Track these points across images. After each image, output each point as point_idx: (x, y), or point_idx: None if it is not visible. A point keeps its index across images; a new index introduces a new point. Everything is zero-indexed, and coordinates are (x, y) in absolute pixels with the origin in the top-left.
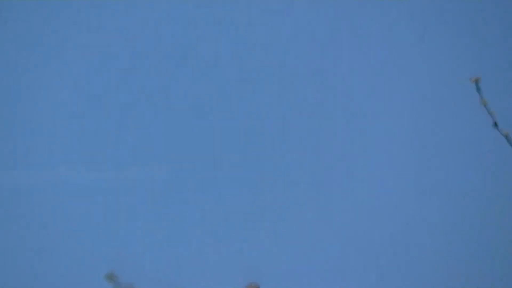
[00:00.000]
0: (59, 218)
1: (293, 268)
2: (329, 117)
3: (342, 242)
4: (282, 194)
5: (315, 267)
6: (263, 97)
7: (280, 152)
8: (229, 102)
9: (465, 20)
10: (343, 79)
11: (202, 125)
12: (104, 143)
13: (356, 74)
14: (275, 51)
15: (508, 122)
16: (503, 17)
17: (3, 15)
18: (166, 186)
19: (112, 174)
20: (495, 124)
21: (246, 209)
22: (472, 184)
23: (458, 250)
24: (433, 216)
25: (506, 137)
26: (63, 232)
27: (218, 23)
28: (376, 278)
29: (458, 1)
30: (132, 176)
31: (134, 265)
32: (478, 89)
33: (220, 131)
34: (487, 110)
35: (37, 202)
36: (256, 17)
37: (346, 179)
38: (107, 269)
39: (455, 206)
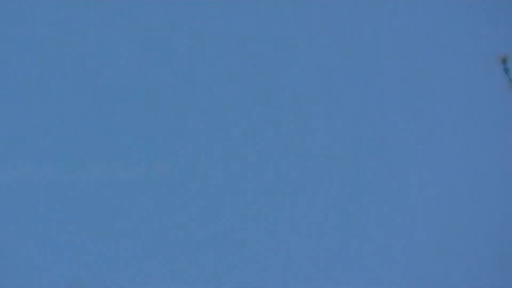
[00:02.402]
0: (16, 222)
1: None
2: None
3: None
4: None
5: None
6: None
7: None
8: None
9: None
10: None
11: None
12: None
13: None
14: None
15: None
16: None
17: None
18: (139, 190)
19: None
20: None
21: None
22: (502, 169)
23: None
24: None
25: None
26: (21, 237)
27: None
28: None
29: None
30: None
31: (96, 276)
32: (506, 69)
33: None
34: None
35: None
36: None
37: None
38: (67, 280)
39: (483, 193)
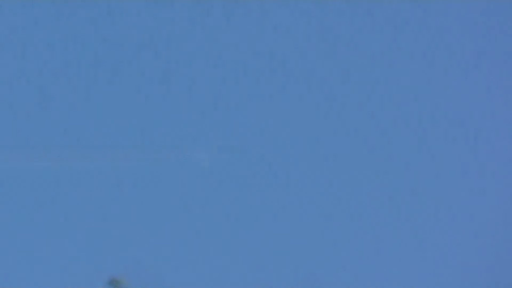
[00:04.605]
0: (56, 214)
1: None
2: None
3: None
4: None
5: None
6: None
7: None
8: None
9: None
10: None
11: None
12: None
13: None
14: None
15: None
16: None
17: None
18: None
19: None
20: None
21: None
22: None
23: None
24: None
25: None
26: (61, 231)
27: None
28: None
29: None
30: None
31: (141, 270)
32: None
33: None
34: None
35: (33, 192)
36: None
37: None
38: (110, 274)
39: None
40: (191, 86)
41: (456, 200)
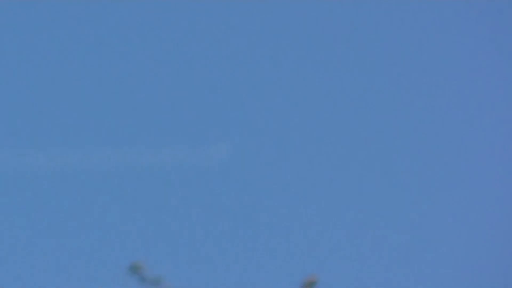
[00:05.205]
0: (79, 203)
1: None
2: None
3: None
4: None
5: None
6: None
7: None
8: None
9: None
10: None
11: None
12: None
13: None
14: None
15: None
16: None
17: None
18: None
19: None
20: None
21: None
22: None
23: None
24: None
25: None
26: (84, 218)
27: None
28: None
29: None
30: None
31: (161, 255)
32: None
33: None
34: None
35: (59, 186)
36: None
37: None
38: (132, 259)
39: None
40: (208, 80)
41: (455, 201)
